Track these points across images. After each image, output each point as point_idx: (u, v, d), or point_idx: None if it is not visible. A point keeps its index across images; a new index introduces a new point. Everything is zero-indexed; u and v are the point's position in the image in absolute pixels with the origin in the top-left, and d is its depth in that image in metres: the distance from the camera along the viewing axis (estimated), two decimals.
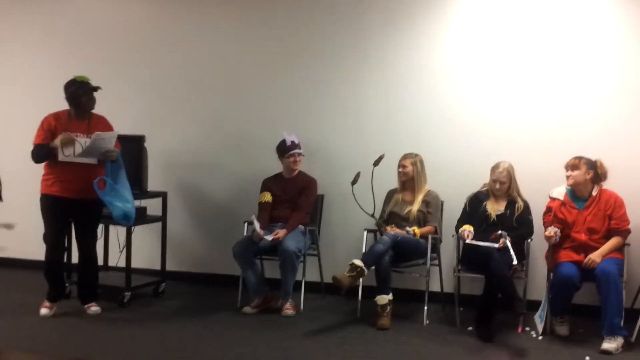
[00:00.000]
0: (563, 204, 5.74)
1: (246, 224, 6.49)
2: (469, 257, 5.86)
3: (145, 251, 6.91)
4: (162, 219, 6.76)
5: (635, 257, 5.86)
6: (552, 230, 5.57)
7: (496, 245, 5.54)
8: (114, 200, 5.76)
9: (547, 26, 6.28)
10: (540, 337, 5.56)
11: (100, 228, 6.75)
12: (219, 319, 6.01)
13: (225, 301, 6.43)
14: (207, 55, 7.20)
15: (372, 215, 6.08)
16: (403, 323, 5.90)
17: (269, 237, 6.13)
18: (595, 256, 5.49)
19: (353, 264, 5.72)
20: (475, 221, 5.85)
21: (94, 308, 6.08)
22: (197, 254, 7.29)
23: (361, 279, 5.87)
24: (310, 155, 6.65)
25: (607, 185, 5.75)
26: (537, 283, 5.96)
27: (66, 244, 6.30)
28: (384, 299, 5.82)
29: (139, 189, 6.48)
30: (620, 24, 6.13)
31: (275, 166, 6.57)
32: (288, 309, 6.15)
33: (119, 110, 7.21)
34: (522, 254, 5.80)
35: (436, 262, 6.26)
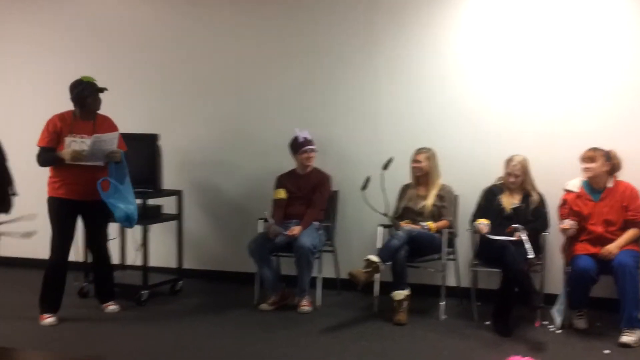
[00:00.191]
0: (578, 196, 5.72)
1: (261, 221, 6.49)
2: (485, 251, 5.84)
3: (161, 249, 6.93)
4: (178, 217, 6.78)
5: None
6: (568, 223, 5.55)
7: (512, 239, 5.52)
8: (117, 201, 5.74)
9: (559, 19, 6.25)
10: (558, 331, 5.55)
11: (117, 227, 6.81)
12: (235, 317, 6.03)
13: (242, 298, 6.46)
14: (219, 54, 7.20)
15: (386, 215, 6.08)
16: (420, 318, 5.90)
17: (286, 232, 6.14)
18: (613, 247, 5.47)
19: (369, 259, 5.72)
20: (490, 215, 5.83)
21: (111, 307, 6.10)
22: (213, 252, 7.31)
23: (377, 275, 5.87)
24: (324, 152, 6.65)
25: (619, 177, 5.73)
26: (554, 276, 5.94)
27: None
28: (400, 294, 5.82)
29: (154, 187, 6.50)
30: (632, 16, 6.10)
31: (289, 163, 6.57)
32: (304, 306, 6.15)
33: (133, 109, 7.30)
34: (538, 248, 5.77)
35: (452, 256, 6.24)
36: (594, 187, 5.71)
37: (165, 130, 6.79)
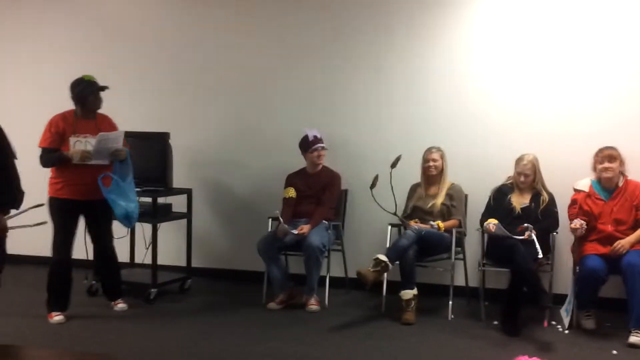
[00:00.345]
0: (588, 195, 5.70)
1: (270, 220, 6.50)
2: (494, 251, 5.83)
3: (170, 248, 6.94)
4: (187, 215, 6.79)
5: None
6: (578, 223, 5.52)
7: (521, 238, 5.51)
8: (118, 198, 5.72)
9: (569, 18, 6.23)
10: (566, 331, 5.53)
11: None
12: (244, 315, 6.04)
13: (250, 297, 6.46)
14: (229, 53, 7.21)
15: (395, 214, 6.07)
16: (428, 318, 5.89)
17: (295, 231, 6.15)
18: (625, 242, 5.44)
19: (377, 258, 5.71)
20: (500, 214, 5.81)
21: (120, 305, 6.12)
22: (222, 250, 7.32)
23: (385, 274, 5.86)
24: (334, 151, 6.64)
25: (632, 175, 5.72)
26: (563, 276, 5.92)
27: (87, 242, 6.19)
28: (408, 293, 5.81)
29: (164, 185, 6.52)
30: (639, 16, 6.09)
31: (299, 162, 6.58)
32: (313, 305, 6.16)
33: (144, 108, 7.34)
34: (548, 247, 5.76)
35: (461, 256, 6.24)
36: (604, 186, 5.69)
37: (176, 129, 6.81)
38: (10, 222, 4.28)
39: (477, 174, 6.37)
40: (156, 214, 6.45)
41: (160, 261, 6.51)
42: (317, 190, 6.47)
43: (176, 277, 6.77)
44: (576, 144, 6.04)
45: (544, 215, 5.81)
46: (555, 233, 5.86)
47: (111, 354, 5.07)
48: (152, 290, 6.37)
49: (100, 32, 7.59)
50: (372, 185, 6.01)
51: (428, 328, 5.68)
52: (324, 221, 6.35)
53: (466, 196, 6.33)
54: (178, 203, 6.77)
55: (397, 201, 6.09)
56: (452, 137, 6.48)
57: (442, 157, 6.23)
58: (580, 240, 5.65)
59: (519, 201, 5.91)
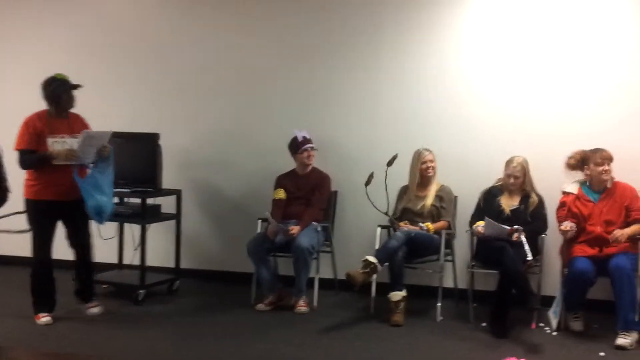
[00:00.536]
0: (577, 197, 5.71)
1: (260, 221, 6.50)
2: (483, 253, 5.84)
3: (159, 249, 6.92)
4: (177, 216, 6.77)
5: None
6: (569, 225, 5.53)
7: (508, 228, 5.55)
8: (92, 189, 5.61)
9: (559, 21, 6.25)
10: (554, 333, 5.54)
11: (115, 226, 6.82)
12: (232, 316, 6.03)
13: (239, 298, 6.44)
14: (221, 55, 7.20)
15: (387, 214, 6.08)
16: (416, 319, 5.89)
17: (287, 227, 6.14)
18: (624, 232, 5.45)
19: (366, 260, 5.71)
20: (489, 216, 5.79)
21: (95, 309, 6.01)
22: (211, 252, 7.31)
23: (375, 276, 5.86)
24: (324, 152, 6.64)
25: (625, 177, 5.74)
26: (552, 278, 5.92)
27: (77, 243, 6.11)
28: (397, 295, 5.81)
29: (153, 186, 6.50)
30: (630, 19, 6.10)
31: (289, 164, 6.58)
32: (301, 306, 6.15)
33: (134, 109, 7.32)
34: (536, 249, 5.76)
35: (450, 257, 6.25)
36: (594, 188, 5.71)
37: (166, 130, 6.77)
38: None
39: (467, 175, 6.38)
40: (145, 215, 6.43)
41: (149, 262, 6.48)
42: (307, 192, 6.47)
43: (165, 278, 6.75)
44: (566, 146, 6.02)
45: (533, 218, 5.82)
46: (544, 235, 5.86)
47: (99, 356, 5.05)
48: (141, 291, 6.35)
49: (92, 33, 7.55)
50: (367, 183, 6.00)
51: (417, 329, 5.68)
52: (313, 222, 6.33)
53: (456, 198, 6.34)
54: (167, 204, 6.75)
55: (390, 203, 6.10)
56: (442, 138, 6.48)
57: (434, 159, 6.23)
58: (568, 242, 5.66)
59: (508, 203, 5.91)
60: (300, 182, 6.51)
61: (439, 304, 5.95)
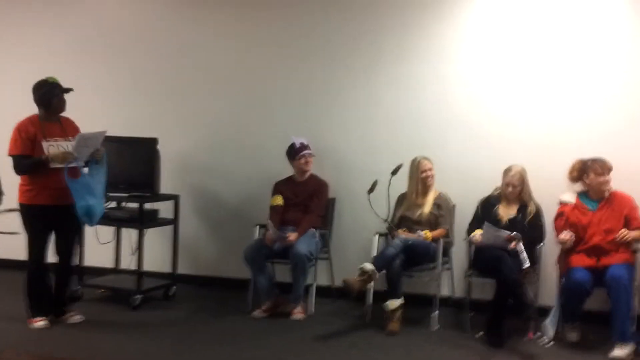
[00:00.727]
0: (575, 207, 5.70)
1: (257, 227, 6.49)
2: (480, 262, 5.83)
3: (156, 254, 6.92)
4: (174, 222, 6.76)
5: None
6: (568, 235, 5.53)
7: (508, 233, 5.54)
8: (82, 190, 5.56)
9: (559, 28, 6.24)
10: (550, 343, 5.51)
11: (112, 230, 6.82)
12: (229, 323, 6.02)
13: (236, 305, 6.44)
14: (219, 60, 7.20)
15: (387, 221, 6.07)
16: (413, 328, 5.87)
17: (286, 235, 6.14)
18: (631, 233, 5.46)
19: (363, 268, 5.70)
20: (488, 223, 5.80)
21: (76, 317, 5.95)
22: (208, 257, 7.30)
23: (372, 283, 5.85)
24: (322, 159, 6.64)
25: (624, 186, 5.73)
26: (548, 288, 5.91)
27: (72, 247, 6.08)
28: (394, 303, 5.79)
29: (151, 191, 6.49)
30: (632, 26, 6.09)
31: (287, 170, 6.58)
32: (298, 313, 6.14)
33: (133, 113, 7.32)
34: (533, 259, 5.73)
35: (447, 266, 6.24)
36: (593, 197, 5.70)
37: (165, 135, 6.76)
38: None
39: (465, 184, 6.36)
40: (142, 220, 6.43)
41: (146, 267, 6.48)
42: (305, 198, 6.47)
43: (161, 283, 6.74)
44: (564, 156, 6.01)
45: (530, 227, 5.81)
46: (541, 245, 5.86)
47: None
48: (137, 296, 6.34)
49: (90, 37, 7.57)
50: (371, 190, 6.01)
51: (413, 338, 5.67)
52: (311, 229, 6.33)
53: (454, 206, 6.32)
54: (165, 209, 6.75)
55: (391, 208, 6.13)
56: (440, 146, 6.47)
57: (433, 166, 6.24)
58: (566, 252, 5.65)
59: (506, 212, 5.91)
60: (298, 188, 6.51)
61: (435, 313, 5.93)
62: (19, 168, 5.61)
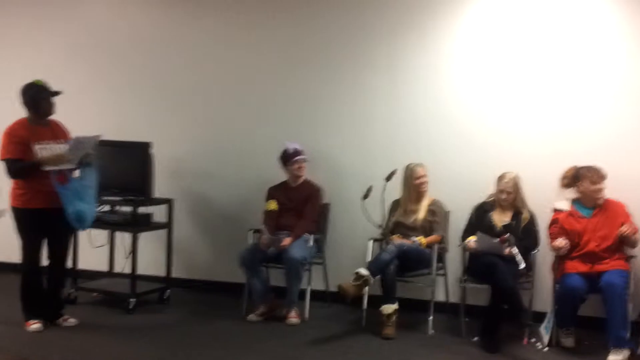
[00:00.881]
0: (570, 214, 5.73)
1: (251, 232, 6.49)
2: (475, 267, 5.85)
3: (150, 258, 6.91)
4: (168, 225, 6.75)
5: None
6: (563, 242, 5.55)
7: (499, 240, 5.57)
8: (71, 196, 5.55)
9: (555, 36, 6.27)
10: (545, 349, 5.55)
11: (106, 234, 6.80)
12: (223, 327, 6.01)
13: (230, 309, 6.43)
14: (213, 64, 7.20)
15: (381, 227, 6.09)
16: (408, 333, 5.89)
17: (280, 244, 6.14)
18: (632, 226, 5.51)
19: (358, 273, 5.71)
20: (481, 232, 5.81)
21: (71, 320, 5.94)
22: (202, 261, 7.29)
23: (366, 288, 5.86)
24: (315, 164, 6.65)
25: (617, 194, 5.77)
26: (543, 294, 5.93)
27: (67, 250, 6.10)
28: (389, 308, 5.80)
29: (145, 195, 6.47)
30: (629, 34, 6.12)
31: (281, 175, 6.58)
32: (293, 318, 6.14)
33: (127, 117, 7.31)
34: (528, 266, 5.76)
35: (442, 271, 6.25)
36: (586, 204, 5.73)
37: (159, 139, 6.74)
38: None
39: (459, 190, 6.38)
40: (136, 223, 6.41)
41: (140, 271, 6.45)
42: (299, 203, 6.47)
43: (155, 287, 6.72)
44: (558, 163, 6.03)
45: (524, 234, 5.83)
46: (535, 251, 5.88)
47: None
48: (131, 300, 6.33)
49: (83, 40, 7.56)
50: (365, 196, 6.02)
51: (408, 343, 5.67)
52: (305, 234, 6.34)
53: (448, 212, 6.34)
54: (159, 213, 6.73)
55: (385, 215, 6.15)
56: (434, 153, 6.49)
57: (426, 172, 6.25)
58: (560, 258, 5.67)
59: (500, 219, 5.93)
60: (292, 193, 6.51)
61: (430, 318, 5.94)
62: (12, 172, 5.59)
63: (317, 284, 6.58)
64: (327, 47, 6.87)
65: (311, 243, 6.34)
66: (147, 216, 6.63)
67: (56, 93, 5.75)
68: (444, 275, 6.30)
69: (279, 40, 7.02)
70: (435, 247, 6.03)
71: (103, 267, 6.95)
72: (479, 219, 5.98)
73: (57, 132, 5.78)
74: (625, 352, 5.24)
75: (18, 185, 5.65)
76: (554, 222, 5.78)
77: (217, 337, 5.73)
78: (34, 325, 5.71)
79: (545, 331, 5.58)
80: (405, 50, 6.67)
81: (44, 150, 5.57)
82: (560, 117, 6.28)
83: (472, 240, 5.78)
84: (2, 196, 5.83)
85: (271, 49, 7.04)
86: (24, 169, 5.57)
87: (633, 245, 5.63)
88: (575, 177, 5.77)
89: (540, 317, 5.72)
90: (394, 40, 6.68)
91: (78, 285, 6.60)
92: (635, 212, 5.73)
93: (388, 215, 6.30)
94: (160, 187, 6.71)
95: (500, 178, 5.94)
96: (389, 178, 6.08)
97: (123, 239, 6.72)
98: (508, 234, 5.62)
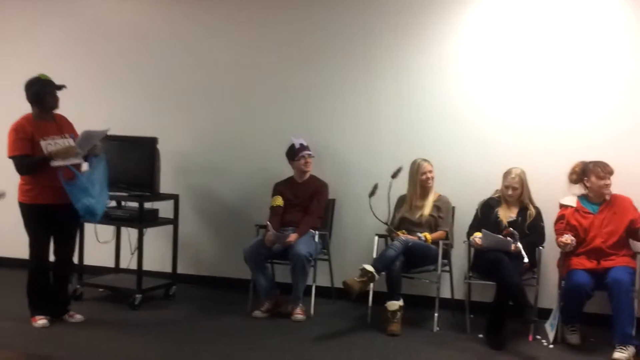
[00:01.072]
0: (576, 210, 5.72)
1: (257, 227, 6.49)
2: (480, 264, 5.83)
3: (156, 253, 6.92)
4: (174, 221, 6.75)
5: None
6: (569, 238, 5.54)
7: (509, 239, 5.57)
8: (79, 193, 5.55)
9: (561, 33, 6.25)
10: (551, 346, 5.54)
11: (112, 230, 6.82)
12: (229, 323, 6.02)
13: (236, 305, 6.44)
14: (219, 59, 7.21)
15: (387, 223, 6.08)
16: (413, 329, 5.88)
17: (286, 240, 6.13)
18: None
19: (364, 269, 5.70)
20: (487, 228, 5.79)
21: (77, 316, 5.95)
22: (208, 257, 7.30)
23: (372, 285, 5.86)
24: (321, 160, 6.65)
25: (624, 190, 5.76)
26: (549, 291, 5.93)
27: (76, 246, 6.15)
28: (394, 304, 5.80)
29: (151, 191, 6.48)
30: (635, 30, 6.10)
31: (287, 170, 6.58)
32: (298, 314, 6.14)
33: (133, 113, 7.32)
34: (534, 262, 5.77)
35: (447, 268, 6.24)
36: (593, 200, 5.72)
37: (164, 134, 6.74)
38: None
39: (465, 186, 6.38)
40: (142, 219, 6.42)
41: (146, 267, 6.45)
42: (305, 199, 6.47)
43: (161, 283, 6.73)
44: (564, 159, 6.02)
45: (530, 230, 5.83)
46: (541, 247, 5.87)
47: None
48: (137, 295, 6.34)
49: (90, 35, 7.57)
50: (371, 194, 6.01)
51: (413, 339, 5.67)
52: (310, 230, 6.33)
53: (453, 208, 6.33)
54: (165, 209, 6.74)
55: (391, 211, 6.15)
56: (440, 148, 6.49)
57: (432, 168, 6.24)
58: (566, 254, 5.66)
59: (506, 215, 5.92)
60: (298, 189, 6.51)
61: (436, 314, 5.93)
62: (21, 168, 5.59)
63: (323, 281, 6.58)
64: (333, 42, 6.85)
65: (317, 239, 6.33)
66: (154, 212, 6.64)
67: (60, 87, 5.74)
68: (450, 271, 6.29)
69: (285, 36, 7.01)
70: (441, 243, 6.02)
71: (109, 263, 6.97)
72: (485, 215, 5.97)
73: (63, 126, 5.77)
74: (631, 349, 5.23)
75: (25, 181, 5.66)
76: (560, 218, 5.77)
77: (223, 333, 5.73)
78: (40, 321, 5.72)
79: (550, 328, 5.57)
80: (411, 47, 6.65)
81: (50, 145, 5.58)
82: (565, 113, 6.26)
83: (477, 236, 5.77)
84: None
85: (277, 45, 7.04)
86: (33, 164, 5.58)
87: None
88: (583, 172, 5.76)
89: (545, 313, 5.70)
90: (400, 36, 6.66)
91: (84, 281, 6.61)
92: None
93: (394, 211, 6.30)
94: (165, 182, 6.73)
95: (506, 174, 5.93)
96: (395, 175, 6.07)
97: (129, 234, 6.74)
98: (511, 229, 5.61)
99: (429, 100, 6.61)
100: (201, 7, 7.25)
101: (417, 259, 5.96)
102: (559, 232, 5.69)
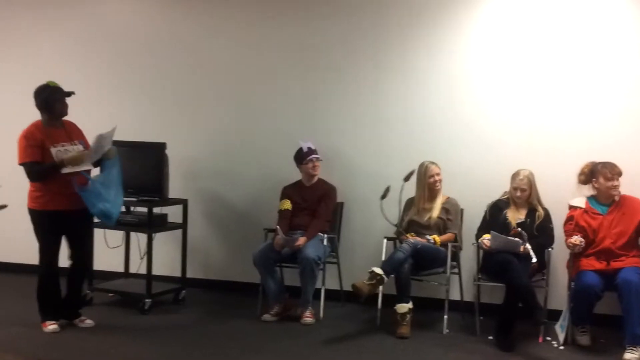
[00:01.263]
0: (585, 211, 5.70)
1: (266, 231, 6.50)
2: (489, 266, 5.82)
3: (165, 258, 6.94)
4: (183, 226, 6.76)
5: None
6: (578, 240, 5.52)
7: (518, 240, 5.57)
8: (94, 199, 5.57)
9: (568, 34, 6.24)
10: (561, 347, 5.52)
11: (122, 235, 6.84)
12: (238, 327, 6.02)
13: (245, 309, 6.45)
14: (227, 64, 7.21)
15: (396, 226, 6.08)
16: (423, 332, 5.88)
17: (295, 244, 6.13)
18: None
19: (373, 271, 5.70)
20: (495, 229, 5.77)
21: (88, 321, 5.96)
22: (217, 261, 7.31)
23: (381, 287, 5.86)
24: (329, 163, 6.65)
25: (632, 191, 5.74)
26: (558, 292, 5.91)
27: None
28: (403, 307, 5.79)
29: (160, 195, 6.49)
30: (638, 32, 6.09)
31: (295, 174, 6.58)
32: (308, 317, 6.14)
33: (141, 118, 7.34)
34: (543, 263, 5.76)
35: (456, 270, 6.23)
36: (602, 201, 5.70)
37: (173, 139, 6.77)
38: None
39: (473, 188, 6.37)
40: (152, 224, 6.43)
41: (155, 271, 6.46)
42: (313, 203, 6.47)
43: (171, 287, 6.74)
44: (572, 160, 6.01)
45: (539, 231, 5.81)
46: (550, 249, 5.85)
47: None
48: (147, 300, 6.35)
49: (97, 41, 7.59)
50: (383, 196, 6.01)
51: (423, 342, 5.66)
52: (319, 233, 6.34)
53: (462, 210, 6.32)
54: (174, 213, 6.75)
55: (401, 214, 6.16)
56: (448, 151, 6.48)
57: (440, 170, 6.24)
58: (576, 255, 5.64)
59: (514, 216, 5.90)
60: (306, 193, 6.51)
61: (445, 317, 5.93)
62: (33, 175, 5.60)
63: (332, 284, 6.58)
64: (340, 46, 6.85)
65: (325, 242, 6.33)
66: (163, 217, 6.66)
67: (69, 94, 5.76)
68: (459, 273, 6.28)
69: (293, 40, 7.01)
70: (450, 245, 6.01)
71: (119, 267, 6.98)
72: (494, 217, 5.96)
73: (72, 133, 5.79)
74: None
75: (35, 188, 5.67)
76: (569, 219, 5.76)
77: (232, 337, 5.74)
78: (51, 327, 5.74)
79: (560, 329, 5.56)
80: (418, 50, 6.65)
81: (60, 152, 5.60)
82: (574, 114, 6.25)
83: (486, 238, 5.76)
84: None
85: (285, 49, 7.04)
86: (43, 171, 5.59)
87: None
88: (591, 173, 5.74)
89: (555, 315, 5.69)
90: (407, 39, 6.66)
91: (94, 286, 6.62)
92: None
93: (402, 214, 6.29)
94: (174, 187, 6.74)
95: (515, 175, 5.92)
96: (407, 179, 6.07)
97: (138, 239, 6.76)
98: (519, 229, 5.61)
99: (436, 104, 6.61)
100: (210, 13, 7.24)
101: (426, 261, 5.95)
102: (568, 234, 5.67)
